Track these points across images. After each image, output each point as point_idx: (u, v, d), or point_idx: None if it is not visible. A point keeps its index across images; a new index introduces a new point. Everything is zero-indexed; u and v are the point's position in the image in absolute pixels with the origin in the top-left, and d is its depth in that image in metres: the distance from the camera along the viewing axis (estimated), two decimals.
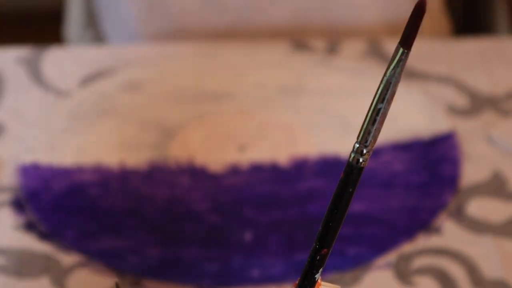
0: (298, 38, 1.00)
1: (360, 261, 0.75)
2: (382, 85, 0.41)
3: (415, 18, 0.40)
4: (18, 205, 0.80)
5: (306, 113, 0.89)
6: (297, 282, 0.45)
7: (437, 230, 0.77)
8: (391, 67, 0.40)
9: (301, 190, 0.81)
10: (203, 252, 0.76)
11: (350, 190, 0.42)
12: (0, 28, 1.78)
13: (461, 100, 0.91)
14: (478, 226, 0.78)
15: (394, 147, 0.85)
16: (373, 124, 0.41)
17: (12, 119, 0.89)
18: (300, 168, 0.83)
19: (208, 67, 0.95)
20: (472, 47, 0.97)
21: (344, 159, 0.84)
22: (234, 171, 0.83)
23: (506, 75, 0.95)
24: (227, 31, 1.06)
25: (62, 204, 0.80)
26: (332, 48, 0.98)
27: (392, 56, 0.40)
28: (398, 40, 0.40)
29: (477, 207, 0.79)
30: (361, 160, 0.42)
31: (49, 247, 0.76)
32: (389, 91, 0.40)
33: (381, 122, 0.41)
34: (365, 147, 0.42)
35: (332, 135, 0.87)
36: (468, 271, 0.74)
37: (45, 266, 0.75)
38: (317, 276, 0.45)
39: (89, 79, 0.93)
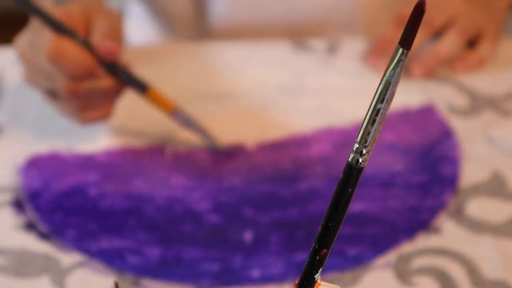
0: (298, 38, 1.00)
1: (360, 261, 0.75)
2: (381, 85, 0.40)
3: (415, 18, 0.40)
4: (18, 205, 0.80)
5: (306, 113, 0.89)
6: (297, 282, 0.45)
7: (436, 230, 0.77)
8: (391, 67, 0.40)
9: (301, 190, 0.81)
10: (203, 252, 0.76)
11: (350, 190, 0.42)
12: (0, 28, 1.78)
13: (461, 100, 0.91)
14: (478, 226, 0.78)
15: (393, 147, 0.85)
16: (372, 124, 0.41)
17: (11, 119, 0.89)
18: (300, 168, 0.83)
19: (208, 67, 0.95)
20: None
21: None
22: (234, 170, 0.83)
23: (506, 75, 0.95)
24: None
25: (62, 204, 0.80)
26: (332, 48, 0.98)
27: (392, 56, 0.40)
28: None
29: (477, 207, 0.79)
30: (360, 160, 0.42)
31: (49, 247, 0.76)
32: (388, 91, 0.40)
33: (381, 123, 0.41)
34: (365, 147, 0.42)
35: None
36: (468, 271, 0.74)
37: (45, 266, 0.75)
38: (317, 276, 0.45)
39: None
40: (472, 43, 0.97)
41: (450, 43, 0.94)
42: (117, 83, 0.81)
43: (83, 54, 0.78)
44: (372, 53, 0.95)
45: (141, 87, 0.83)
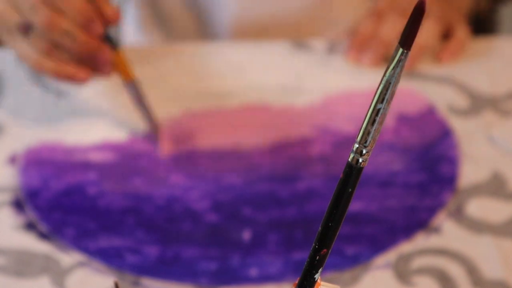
0: (298, 38, 1.00)
1: (358, 261, 0.75)
2: (381, 85, 0.40)
3: (415, 18, 0.40)
4: (18, 205, 0.80)
5: (305, 113, 0.89)
6: (296, 282, 0.45)
7: (435, 230, 0.77)
8: (391, 67, 0.40)
9: (300, 190, 0.81)
10: (202, 251, 0.76)
11: (350, 190, 0.42)
12: None
13: (461, 100, 0.91)
14: (478, 226, 0.78)
15: (392, 146, 0.85)
16: (372, 124, 0.41)
17: (12, 119, 0.89)
18: (299, 168, 0.83)
19: (208, 67, 0.95)
20: (472, 47, 0.97)
21: None
22: (233, 170, 0.83)
23: (506, 75, 0.94)
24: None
25: (61, 203, 0.80)
26: (332, 48, 0.98)
27: (392, 56, 0.40)
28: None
29: (477, 207, 0.79)
30: (360, 160, 0.42)
31: (49, 247, 0.76)
32: (388, 91, 0.40)
33: (381, 123, 0.41)
34: (365, 147, 0.42)
35: None
36: (468, 271, 0.74)
37: (45, 266, 0.75)
38: (317, 276, 0.45)
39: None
40: (445, 36, 0.97)
41: (430, 31, 0.94)
42: (93, 43, 0.81)
43: (85, 2, 0.79)
44: (353, 49, 0.95)
45: (113, 45, 0.84)
